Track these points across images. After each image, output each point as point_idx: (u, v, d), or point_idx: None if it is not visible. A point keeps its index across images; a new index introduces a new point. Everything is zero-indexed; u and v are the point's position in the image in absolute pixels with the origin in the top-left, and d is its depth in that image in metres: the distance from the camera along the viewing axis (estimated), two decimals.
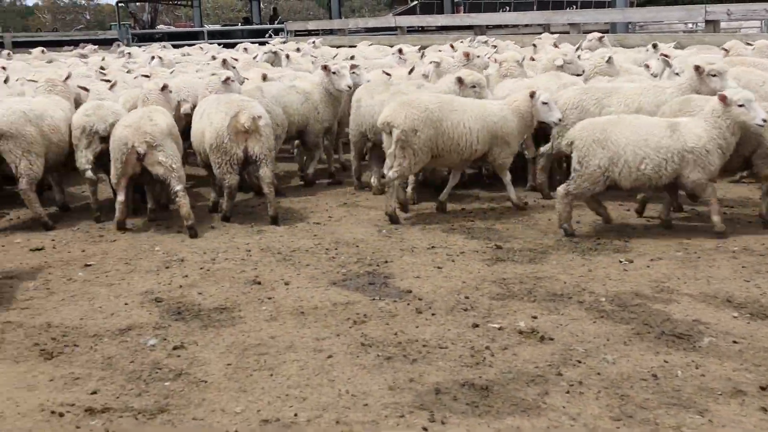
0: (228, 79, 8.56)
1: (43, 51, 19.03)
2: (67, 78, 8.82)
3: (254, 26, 33.66)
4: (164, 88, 8.49)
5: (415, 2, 48.14)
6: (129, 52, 16.85)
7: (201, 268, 6.47)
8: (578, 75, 9.70)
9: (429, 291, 5.83)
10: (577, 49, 11.71)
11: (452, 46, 15.04)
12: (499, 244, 6.92)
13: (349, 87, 9.10)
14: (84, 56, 19.18)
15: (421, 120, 7.46)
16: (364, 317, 5.36)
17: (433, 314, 5.39)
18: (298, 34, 27.46)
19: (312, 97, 9.23)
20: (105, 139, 7.82)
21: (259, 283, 6.10)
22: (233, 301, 5.74)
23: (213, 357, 4.82)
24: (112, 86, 9.79)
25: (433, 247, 6.91)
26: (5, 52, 21.52)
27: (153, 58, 14.85)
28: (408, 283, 6.01)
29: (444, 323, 5.23)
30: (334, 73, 9.11)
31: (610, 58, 9.56)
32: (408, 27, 23.09)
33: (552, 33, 16.14)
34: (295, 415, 4.12)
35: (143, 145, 7.27)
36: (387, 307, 5.53)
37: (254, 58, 13.58)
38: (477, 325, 5.16)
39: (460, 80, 8.50)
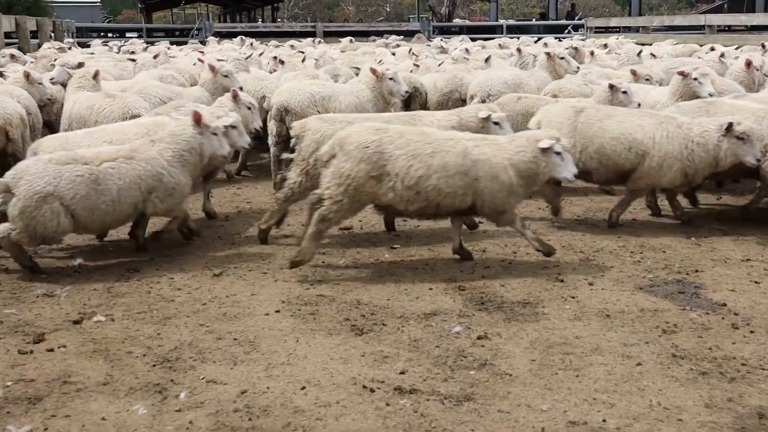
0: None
1: (351, 41, 20.01)
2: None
3: (552, 22, 33.30)
4: None
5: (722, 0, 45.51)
6: (442, 45, 17.30)
7: (503, 261, 6.46)
8: None
9: (746, 306, 5.44)
10: None
11: (763, 45, 14.04)
12: None
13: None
14: (388, 45, 19.92)
15: None
16: (675, 327, 5.09)
17: (751, 332, 5.02)
18: (598, 30, 26.86)
19: None
20: None
21: (562, 280, 5.99)
22: (536, 296, 5.68)
23: (517, 351, 4.78)
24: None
25: (748, 259, 6.46)
26: (317, 40, 22.85)
27: (455, 49, 15.16)
28: (722, 296, 5.64)
29: (765, 343, 4.85)
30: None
31: None
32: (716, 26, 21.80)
33: None
34: (604, 420, 3.98)
35: None
36: (699, 319, 5.22)
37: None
38: None
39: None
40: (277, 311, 5.40)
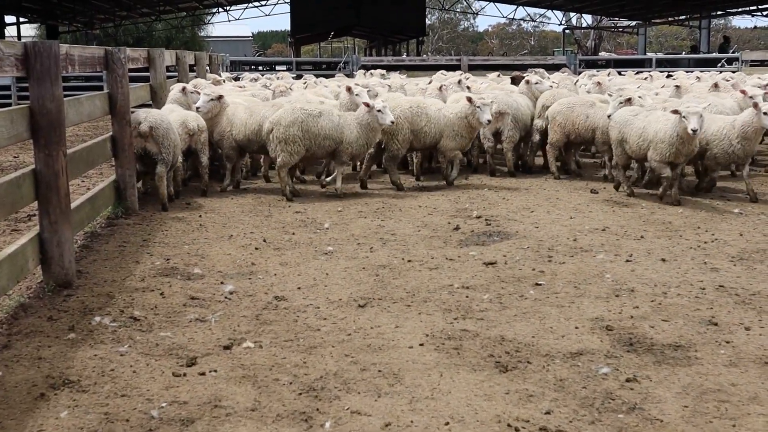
0: None
1: (498, 75, 19.96)
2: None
3: (703, 55, 32.25)
4: None
5: None
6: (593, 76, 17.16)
7: (652, 301, 6.27)
8: None
9: None
10: None
11: None
12: None
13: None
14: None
15: None
16: None
17: None
18: (753, 64, 25.87)
19: None
20: None
21: (716, 324, 5.75)
22: (687, 339, 5.47)
23: (668, 396, 4.60)
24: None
25: None
26: (463, 73, 22.92)
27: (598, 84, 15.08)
28: None
29: None
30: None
31: None
32: None
33: None
34: None
35: None
36: None
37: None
38: None
39: None
40: (421, 344, 5.41)
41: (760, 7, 37.83)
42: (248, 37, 72.39)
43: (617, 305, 6.19)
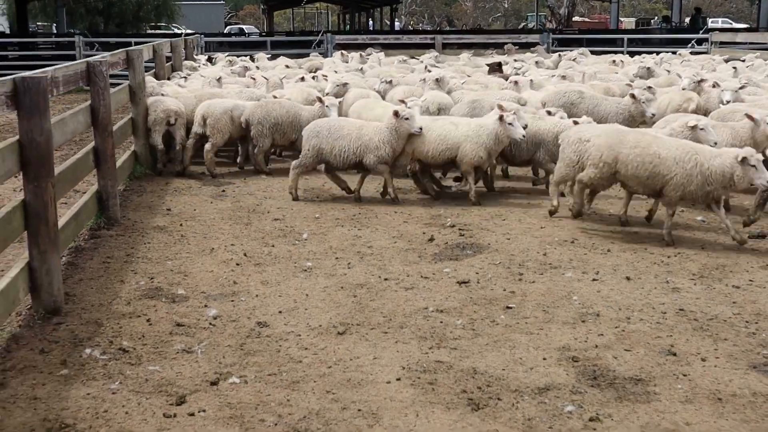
0: None
1: (470, 57, 20.17)
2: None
3: (674, 35, 32.16)
4: None
5: None
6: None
7: (616, 327, 6.61)
8: None
9: None
10: None
11: None
12: None
13: None
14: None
15: None
16: None
17: None
18: (724, 44, 26.07)
19: None
20: None
21: (675, 354, 6.10)
22: (648, 372, 5.82)
23: None
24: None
25: None
26: (434, 53, 23.04)
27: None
28: None
29: None
30: None
31: None
32: None
33: None
34: None
35: None
36: None
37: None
38: None
39: None
40: (398, 379, 5.71)
41: None
42: (220, 0, 71.77)
43: (583, 332, 6.52)
